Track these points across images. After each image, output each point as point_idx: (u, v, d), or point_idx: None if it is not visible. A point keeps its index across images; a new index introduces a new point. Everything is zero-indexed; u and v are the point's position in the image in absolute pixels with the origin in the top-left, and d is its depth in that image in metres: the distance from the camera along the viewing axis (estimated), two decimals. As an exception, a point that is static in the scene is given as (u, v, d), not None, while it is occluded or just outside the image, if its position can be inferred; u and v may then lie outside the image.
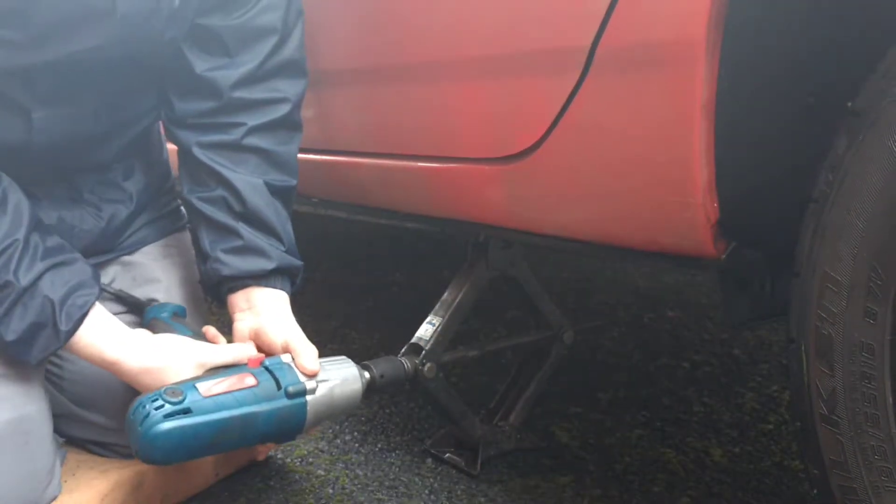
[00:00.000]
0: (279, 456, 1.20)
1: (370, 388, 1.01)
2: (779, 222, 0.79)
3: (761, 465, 1.16)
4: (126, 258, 1.13)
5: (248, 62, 1.04)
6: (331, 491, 1.10)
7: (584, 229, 0.93)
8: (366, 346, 1.66)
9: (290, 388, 0.91)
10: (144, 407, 0.84)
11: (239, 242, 1.02)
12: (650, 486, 1.11)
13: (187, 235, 1.20)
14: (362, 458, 1.19)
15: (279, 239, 1.04)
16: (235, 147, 1.04)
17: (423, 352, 1.10)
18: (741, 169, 0.78)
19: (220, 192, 1.03)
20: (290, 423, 0.92)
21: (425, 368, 1.10)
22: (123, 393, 1.02)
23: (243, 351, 0.96)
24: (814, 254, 0.69)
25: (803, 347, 0.71)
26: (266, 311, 1.02)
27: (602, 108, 0.84)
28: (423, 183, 1.12)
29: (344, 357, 1.00)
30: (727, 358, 1.58)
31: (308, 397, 0.92)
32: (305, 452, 1.21)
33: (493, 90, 0.96)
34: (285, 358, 0.95)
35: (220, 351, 0.95)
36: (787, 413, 1.33)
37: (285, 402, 0.90)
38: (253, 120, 1.04)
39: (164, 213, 1.19)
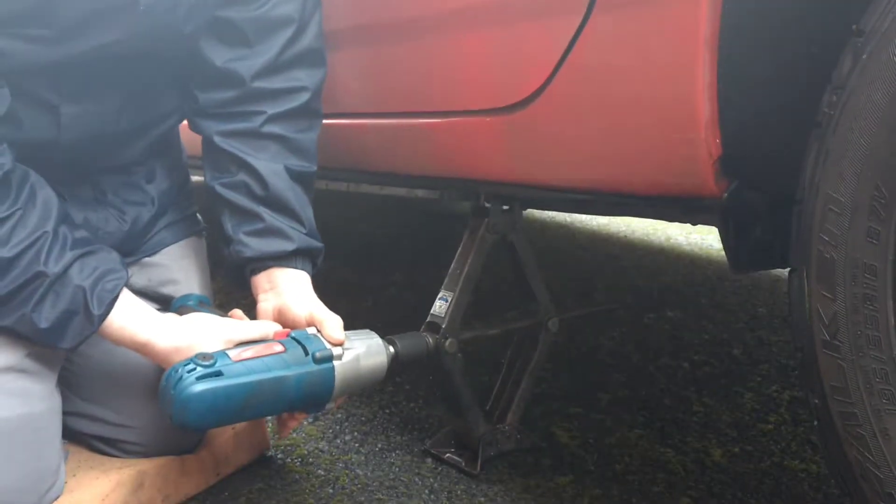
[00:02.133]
0: (279, 456, 1.20)
1: (394, 362, 1.03)
2: (780, 161, 0.79)
3: (761, 465, 1.16)
4: (145, 259, 1.14)
5: (267, 52, 1.07)
6: (331, 491, 1.10)
7: (587, 176, 0.93)
8: (366, 346, 1.66)
9: (318, 354, 0.93)
10: (177, 371, 0.86)
11: (260, 225, 1.05)
12: (650, 486, 1.11)
13: (203, 241, 1.24)
14: (362, 458, 1.19)
15: (300, 221, 1.07)
16: (255, 134, 1.07)
17: (443, 328, 1.11)
18: (743, 105, 0.78)
19: (241, 177, 1.06)
20: (318, 388, 0.94)
21: (447, 343, 1.11)
22: (133, 389, 1.04)
23: (268, 327, 0.98)
24: (816, 177, 0.69)
25: (805, 274, 0.71)
26: (288, 291, 1.05)
27: (606, 47, 0.84)
28: (425, 141, 1.12)
29: (368, 330, 1.02)
30: (727, 358, 1.58)
31: (335, 363, 0.95)
32: (305, 452, 1.21)
33: (494, 38, 0.96)
34: (311, 331, 0.97)
35: (246, 327, 0.97)
36: (787, 413, 1.33)
37: (313, 366, 0.93)
38: (272, 108, 1.08)
39: (183, 216, 1.21)
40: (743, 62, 0.77)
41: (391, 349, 1.03)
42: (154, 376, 1.04)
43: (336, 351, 0.95)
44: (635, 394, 1.41)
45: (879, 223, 0.65)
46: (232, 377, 0.87)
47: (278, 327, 0.99)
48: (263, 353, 0.91)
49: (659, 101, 0.80)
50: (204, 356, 0.88)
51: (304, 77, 1.10)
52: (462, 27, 1.00)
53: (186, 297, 1.10)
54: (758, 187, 0.82)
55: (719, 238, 0.87)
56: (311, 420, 1.31)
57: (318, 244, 1.09)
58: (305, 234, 1.07)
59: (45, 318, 0.87)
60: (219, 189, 1.08)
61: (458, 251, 1.17)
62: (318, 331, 0.97)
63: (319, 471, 1.15)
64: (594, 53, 0.85)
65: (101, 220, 1.08)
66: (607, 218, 3.22)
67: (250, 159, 1.06)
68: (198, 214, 1.26)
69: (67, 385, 1.04)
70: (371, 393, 1.42)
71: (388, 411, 1.35)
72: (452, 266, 1.17)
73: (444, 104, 1.06)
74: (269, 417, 1.29)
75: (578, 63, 0.86)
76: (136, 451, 1.05)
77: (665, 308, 1.90)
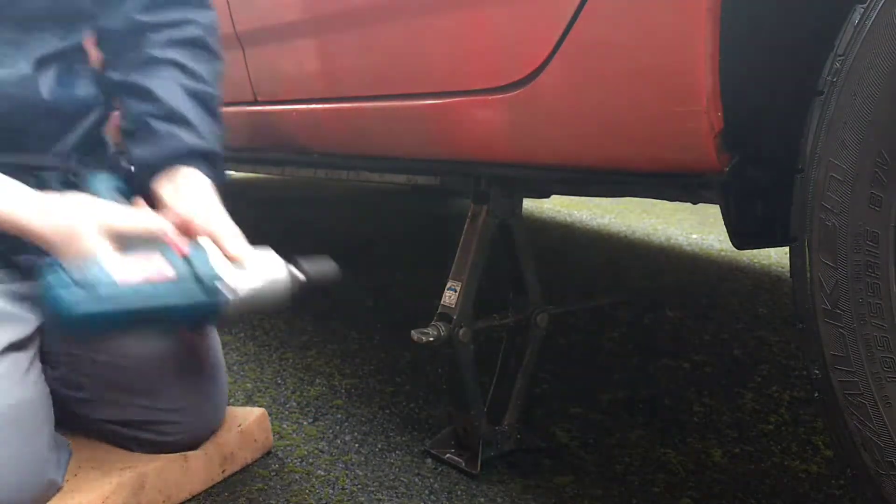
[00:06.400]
0: (279, 456, 1.20)
1: (298, 285, 0.97)
2: (782, 135, 0.79)
3: (761, 466, 1.16)
4: None
5: None
6: (331, 491, 1.10)
7: (588, 154, 0.92)
8: (366, 346, 1.67)
9: (208, 281, 0.88)
10: (54, 286, 0.82)
11: (149, 134, 1.05)
12: (650, 486, 1.11)
13: None
14: (362, 459, 1.19)
15: (191, 126, 1.06)
16: (146, 61, 1.09)
17: (454, 317, 1.11)
18: (746, 78, 0.78)
19: (135, 103, 1.07)
20: (206, 315, 0.91)
21: (460, 333, 1.11)
22: (166, 376, 1.06)
23: (158, 222, 0.94)
24: (818, 145, 0.69)
25: (806, 243, 0.71)
26: (188, 192, 1.02)
27: (608, 19, 0.83)
28: (425, 122, 1.12)
29: (269, 249, 0.97)
30: (727, 358, 1.58)
31: (228, 293, 0.89)
32: (305, 453, 1.21)
33: (495, 15, 0.96)
34: (206, 243, 0.92)
35: (131, 215, 0.93)
36: (787, 413, 1.33)
37: (201, 297, 0.88)
38: (160, 36, 1.09)
39: None
40: (747, 32, 0.76)
41: (295, 272, 0.96)
42: (177, 360, 1.06)
43: (229, 278, 0.89)
44: (636, 394, 1.41)
45: (881, 190, 0.65)
46: (113, 300, 0.83)
47: (168, 225, 0.95)
48: (152, 278, 0.86)
49: (661, 72, 0.79)
50: (86, 270, 0.83)
51: (188, 12, 1.12)
52: (461, 5, 1.00)
53: (101, 178, 1.02)
54: (759, 162, 0.82)
55: (721, 216, 0.86)
56: (311, 420, 1.31)
57: (214, 148, 1.07)
58: (200, 139, 1.05)
59: None
60: (122, 125, 1.08)
61: (462, 239, 1.17)
62: (218, 242, 0.93)
63: (319, 471, 1.15)
64: (597, 26, 0.85)
65: None
66: (607, 218, 3.22)
67: (143, 82, 1.07)
68: None
69: (90, 377, 1.05)
70: (371, 393, 1.42)
71: (388, 411, 1.35)
72: (457, 255, 1.16)
73: (445, 84, 1.06)
74: (272, 416, 1.29)
75: (581, 37, 0.86)
76: (156, 433, 1.06)
77: (665, 308, 1.90)
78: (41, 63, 1.03)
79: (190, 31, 1.11)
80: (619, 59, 0.84)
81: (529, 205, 3.34)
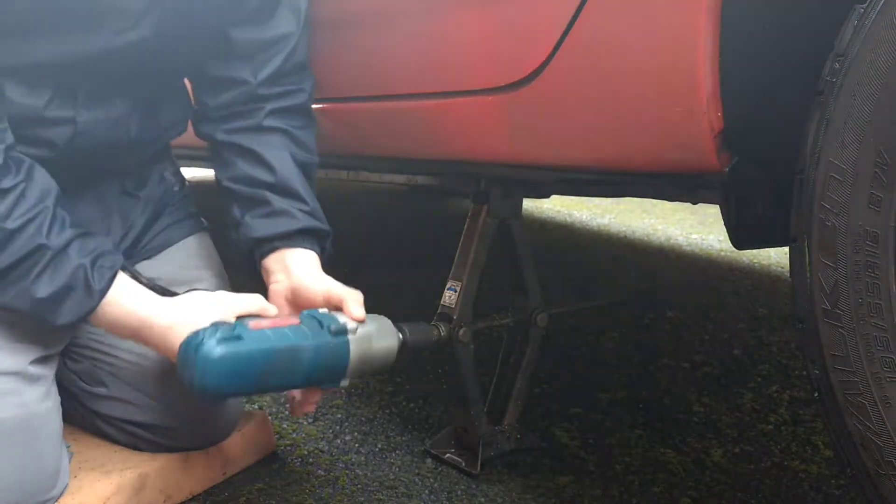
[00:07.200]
0: (279, 455, 1.20)
1: (402, 348, 1.02)
2: (782, 136, 0.78)
3: (761, 466, 1.16)
4: (146, 262, 1.15)
5: (271, 65, 1.12)
6: (331, 491, 1.10)
7: (589, 154, 0.93)
8: (366, 346, 1.66)
9: (332, 327, 0.94)
10: (199, 335, 0.87)
11: (267, 209, 1.08)
12: (650, 486, 1.11)
13: (208, 236, 1.25)
14: (362, 459, 1.19)
15: (305, 203, 1.10)
16: (258, 128, 1.12)
17: (455, 317, 1.12)
18: (746, 78, 0.78)
19: (247, 167, 1.10)
20: (334, 360, 0.94)
21: (460, 333, 1.12)
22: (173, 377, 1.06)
23: (267, 302, 1.00)
24: (818, 145, 0.69)
25: (806, 243, 0.71)
26: (299, 271, 1.06)
27: (609, 19, 0.83)
28: (425, 123, 1.12)
29: (383, 317, 1.02)
30: (727, 358, 1.59)
31: (350, 336, 0.95)
32: (305, 452, 1.21)
33: (495, 15, 0.96)
34: (323, 311, 0.97)
35: (246, 299, 0.98)
36: (787, 413, 1.33)
37: (329, 338, 0.93)
38: (273, 105, 1.12)
39: (187, 215, 1.22)
40: (745, 32, 0.77)
41: (401, 335, 1.03)
42: None
43: (350, 325, 0.95)
44: (635, 394, 1.41)
45: (881, 190, 0.65)
46: (252, 342, 0.88)
47: (272, 307, 0.99)
48: (280, 324, 0.92)
49: (661, 73, 0.80)
50: (224, 322, 0.89)
51: (300, 81, 1.15)
52: (462, 5, 1.00)
53: None
54: (759, 163, 0.82)
55: (721, 216, 0.86)
56: (311, 420, 1.31)
57: (325, 226, 1.11)
58: (311, 216, 1.09)
59: (44, 290, 0.89)
60: (227, 184, 1.11)
61: (462, 239, 1.17)
62: (340, 308, 0.98)
63: (319, 471, 1.15)
64: (597, 26, 0.85)
65: (104, 228, 1.11)
66: (607, 218, 3.22)
67: (256, 147, 1.10)
68: (200, 216, 1.26)
69: (112, 374, 1.07)
70: (371, 393, 1.43)
71: (388, 411, 1.35)
72: (457, 255, 1.17)
73: (445, 84, 1.07)
74: (272, 417, 1.29)
75: (581, 37, 0.86)
76: (170, 438, 1.07)
77: (665, 308, 1.90)
78: (136, 102, 1.07)
79: (299, 98, 1.14)
80: (620, 60, 0.84)
81: (529, 205, 3.34)
